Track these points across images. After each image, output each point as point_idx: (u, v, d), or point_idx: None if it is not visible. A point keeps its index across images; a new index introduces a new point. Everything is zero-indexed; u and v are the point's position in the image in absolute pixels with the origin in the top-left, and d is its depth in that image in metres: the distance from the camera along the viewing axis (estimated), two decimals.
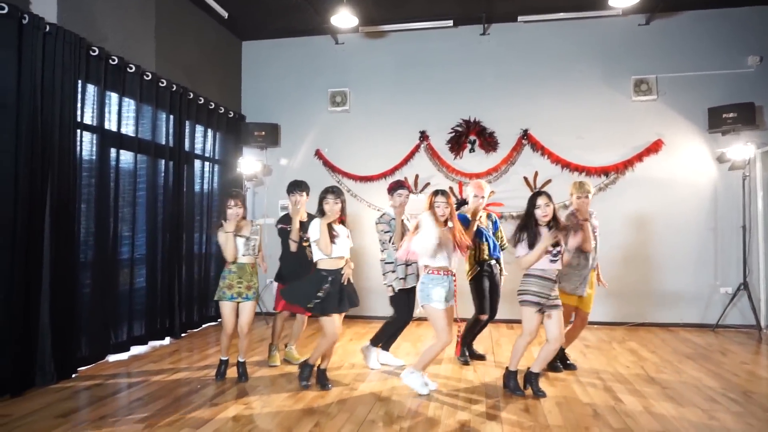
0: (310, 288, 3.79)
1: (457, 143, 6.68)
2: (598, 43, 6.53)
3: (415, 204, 6.63)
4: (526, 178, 6.48)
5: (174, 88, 5.67)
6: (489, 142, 6.61)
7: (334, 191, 3.88)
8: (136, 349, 5.06)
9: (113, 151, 4.83)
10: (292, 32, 7.04)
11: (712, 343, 5.34)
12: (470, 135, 6.67)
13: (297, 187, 4.48)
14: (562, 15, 6.44)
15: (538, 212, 3.62)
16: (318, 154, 7.06)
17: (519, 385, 3.76)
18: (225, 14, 6.33)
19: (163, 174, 5.56)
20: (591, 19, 6.46)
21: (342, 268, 3.87)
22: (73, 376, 4.16)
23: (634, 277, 6.24)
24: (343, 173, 6.95)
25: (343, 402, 3.60)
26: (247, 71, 7.38)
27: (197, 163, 6.25)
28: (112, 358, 4.76)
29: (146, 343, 5.23)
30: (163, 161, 5.56)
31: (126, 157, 5.05)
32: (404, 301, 4.34)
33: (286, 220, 4.58)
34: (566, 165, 6.45)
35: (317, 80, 7.12)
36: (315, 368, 3.98)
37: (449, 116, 6.73)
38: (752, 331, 5.79)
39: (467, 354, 4.64)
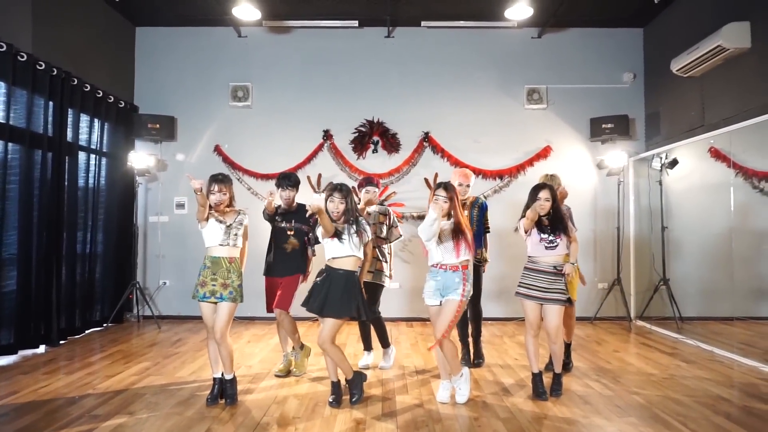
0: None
1: (360, 143, 6.73)
2: (496, 52, 6.88)
3: (317, 202, 6.64)
4: (426, 180, 6.67)
5: (55, 72, 5.19)
6: (392, 144, 6.73)
7: (341, 189, 3.48)
8: (2, 360, 4.56)
9: None
10: (192, 21, 6.71)
11: (591, 334, 5.82)
12: (374, 136, 6.76)
13: (287, 180, 4.18)
14: (462, 23, 6.72)
15: (537, 203, 3.65)
16: (217, 149, 6.80)
17: (539, 387, 3.67)
18: None
19: (40, 166, 5.06)
20: (489, 29, 6.80)
21: (345, 270, 3.49)
22: None
23: None
24: (244, 170, 6.75)
25: (237, 406, 3.49)
26: (142, 59, 6.93)
27: (82, 155, 5.77)
28: None
29: (16, 353, 4.72)
30: (40, 152, 5.07)
31: None
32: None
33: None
34: (464, 167, 6.70)
35: (218, 73, 6.85)
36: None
37: (353, 116, 6.77)
38: (624, 322, 6.41)
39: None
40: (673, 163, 6.16)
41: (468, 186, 4.39)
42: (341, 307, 3.41)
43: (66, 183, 5.42)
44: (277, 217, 4.19)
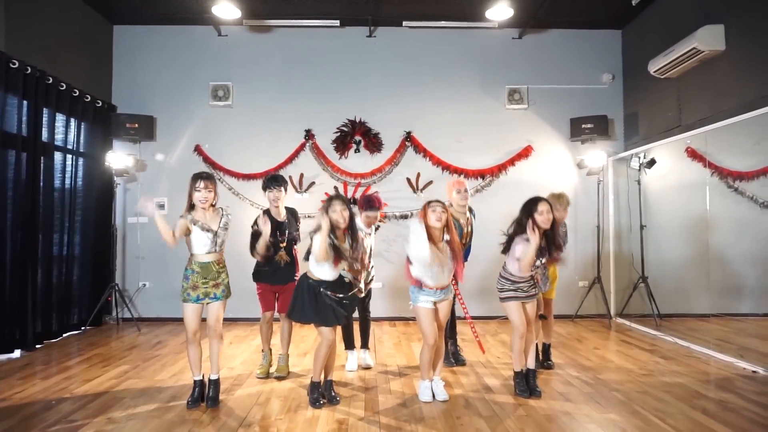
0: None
1: (342, 143, 6.71)
2: (477, 52, 6.92)
3: (300, 203, 6.61)
4: (408, 179, 6.68)
5: (28, 71, 5.07)
6: (374, 143, 6.73)
7: (340, 198, 3.47)
8: None
9: None
10: (171, 19, 6.62)
11: (571, 332, 5.88)
12: (356, 135, 6.74)
13: (274, 181, 4.10)
14: (444, 23, 6.75)
15: (540, 218, 3.48)
16: (198, 149, 6.72)
17: (520, 384, 3.69)
18: None
19: (13, 166, 4.95)
20: (471, 29, 6.84)
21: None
22: None
23: None
24: (225, 170, 6.68)
25: (218, 408, 3.45)
26: (119, 58, 6.82)
27: (58, 155, 5.66)
28: None
29: None
30: (14, 152, 4.95)
31: None
32: None
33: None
34: (446, 167, 6.75)
35: (198, 72, 6.78)
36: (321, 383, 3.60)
37: (335, 116, 6.75)
38: (604, 319, 6.50)
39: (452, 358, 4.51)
40: (651, 162, 6.26)
41: (466, 191, 4.36)
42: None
43: (41, 184, 5.30)
44: (270, 238, 3.97)
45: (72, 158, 5.90)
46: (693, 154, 5.66)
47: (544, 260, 3.64)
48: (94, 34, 6.50)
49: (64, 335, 5.73)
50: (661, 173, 6.39)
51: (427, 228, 3.39)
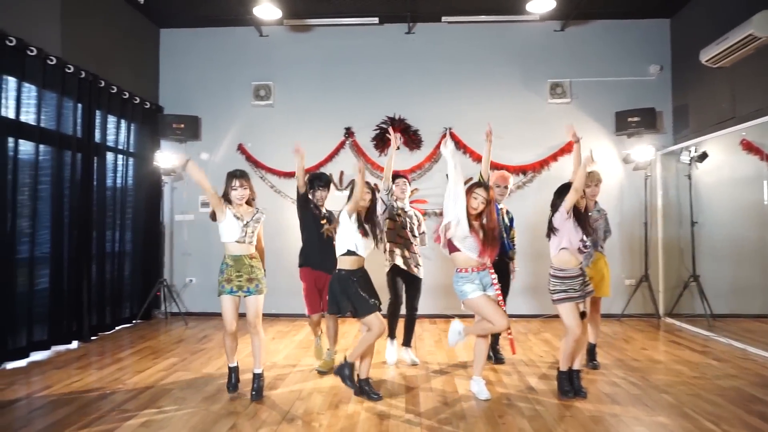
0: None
1: (382, 140, 6.72)
2: (518, 46, 6.80)
3: (340, 201, 6.66)
4: (448, 176, 6.62)
5: (83, 75, 5.31)
6: (413, 140, 6.71)
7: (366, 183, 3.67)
8: (37, 355, 4.70)
9: (11, 140, 4.44)
10: (214, 21, 6.79)
11: (618, 332, 5.72)
12: (395, 132, 6.73)
13: (318, 180, 4.23)
14: (483, 18, 6.66)
15: (588, 191, 3.59)
16: (240, 148, 6.87)
17: (564, 384, 3.62)
18: None
19: (70, 166, 5.19)
20: (511, 23, 6.73)
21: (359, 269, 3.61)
22: None
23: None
24: (267, 168, 6.81)
25: (262, 402, 3.53)
26: (166, 60, 7.05)
27: (110, 155, 5.90)
28: (9, 365, 4.39)
29: (49, 348, 4.87)
30: (70, 152, 5.20)
31: (26, 147, 4.68)
32: (392, 281, 4.35)
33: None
34: (502, 170, 6.65)
35: (240, 73, 6.92)
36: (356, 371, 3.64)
37: (374, 113, 6.76)
38: (652, 319, 6.28)
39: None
40: (703, 156, 6.01)
41: (506, 188, 4.42)
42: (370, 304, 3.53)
43: (95, 183, 5.55)
44: (310, 204, 4.16)
45: (123, 158, 6.13)
46: (749, 147, 5.41)
47: (587, 241, 3.54)
48: (141, 37, 6.74)
49: (117, 328, 5.98)
50: (714, 167, 6.13)
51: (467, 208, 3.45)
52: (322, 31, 6.89)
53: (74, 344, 5.18)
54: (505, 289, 4.44)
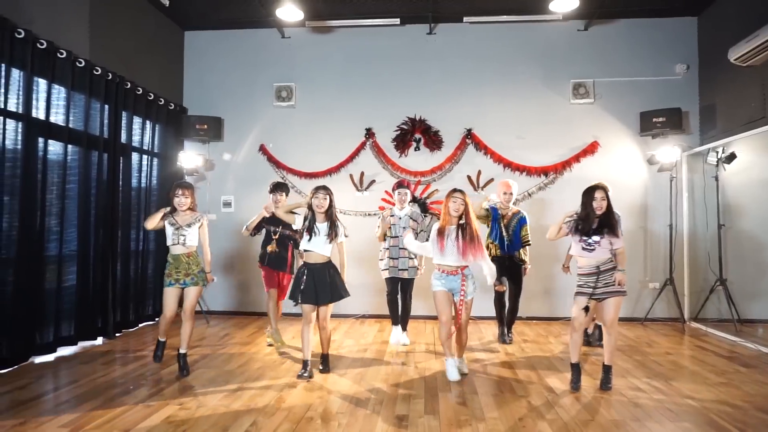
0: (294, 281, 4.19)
1: (402, 141, 6.72)
2: (540, 46, 6.73)
3: (361, 202, 6.69)
4: (469, 177, 6.60)
5: (110, 77, 5.42)
6: (434, 141, 6.69)
7: (325, 188, 4.12)
8: (64, 350, 4.82)
9: (41, 140, 4.56)
10: (237, 24, 6.88)
11: (641, 335, 5.62)
12: (416, 133, 6.74)
13: (279, 188, 4.97)
14: (505, 18, 6.61)
15: (594, 204, 3.74)
16: (262, 149, 6.94)
17: (573, 376, 3.84)
18: (166, 2, 6.11)
19: (96, 166, 5.30)
20: (533, 22, 6.66)
21: (322, 264, 4.09)
22: None
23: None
24: (288, 169, 6.86)
25: (281, 400, 3.56)
26: (190, 62, 7.16)
27: (135, 155, 6.01)
28: (37, 359, 4.51)
29: (76, 344, 4.99)
30: (96, 153, 5.31)
31: (55, 148, 4.79)
32: (388, 281, 5.23)
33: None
34: (508, 164, 6.61)
35: (262, 74, 6.99)
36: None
37: (395, 114, 6.77)
38: (676, 323, 6.16)
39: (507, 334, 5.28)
40: (731, 157, 5.87)
41: (510, 194, 5.06)
42: (332, 293, 4.06)
43: (120, 183, 5.65)
44: (263, 224, 5.02)
45: (147, 158, 6.24)
46: None
47: (597, 240, 3.73)
48: (166, 40, 6.85)
49: (140, 325, 6.09)
50: (743, 168, 5.98)
51: (446, 213, 3.94)
52: (343, 33, 6.92)
53: (99, 340, 5.29)
54: (516, 290, 5.20)
